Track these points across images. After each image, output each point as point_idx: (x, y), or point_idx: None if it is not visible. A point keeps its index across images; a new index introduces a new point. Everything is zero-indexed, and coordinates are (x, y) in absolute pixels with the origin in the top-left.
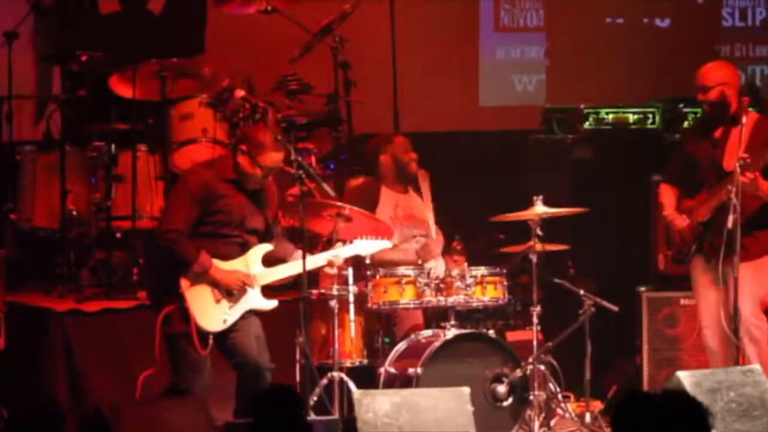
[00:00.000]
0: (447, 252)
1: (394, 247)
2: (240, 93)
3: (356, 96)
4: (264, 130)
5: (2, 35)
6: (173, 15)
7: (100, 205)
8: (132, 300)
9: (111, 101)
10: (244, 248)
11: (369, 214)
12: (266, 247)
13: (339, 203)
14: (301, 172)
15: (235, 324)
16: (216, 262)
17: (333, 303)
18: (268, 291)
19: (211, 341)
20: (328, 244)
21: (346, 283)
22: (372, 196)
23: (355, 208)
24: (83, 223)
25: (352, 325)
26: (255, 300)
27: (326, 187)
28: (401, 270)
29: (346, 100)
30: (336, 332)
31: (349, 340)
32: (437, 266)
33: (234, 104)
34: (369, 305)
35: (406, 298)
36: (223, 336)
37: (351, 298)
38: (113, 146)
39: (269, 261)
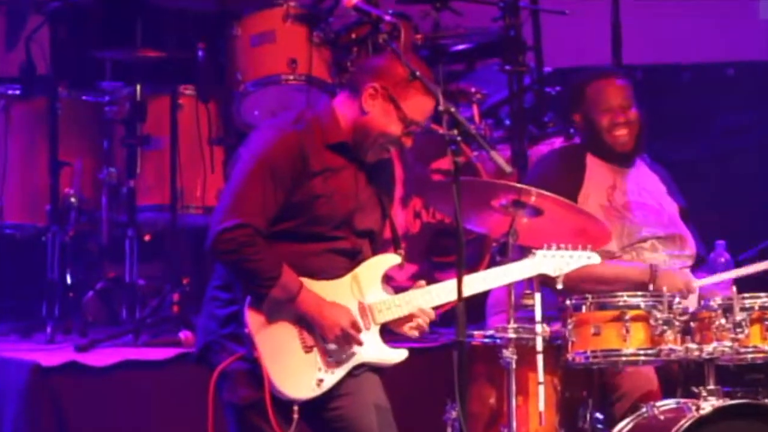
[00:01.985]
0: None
1: (606, 257)
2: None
3: (550, 4)
4: (399, 60)
5: None
6: None
7: (117, 188)
8: (169, 347)
9: (134, 12)
10: (352, 259)
11: (570, 204)
12: (392, 260)
13: (519, 185)
14: (454, 132)
15: (340, 386)
16: (308, 283)
17: (508, 353)
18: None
19: (296, 415)
20: (501, 253)
21: (530, 320)
22: (574, 174)
23: (547, 194)
24: (88, 218)
25: (541, 390)
26: (371, 348)
27: (497, 157)
28: (623, 298)
29: (532, 12)
30: (513, 402)
31: (535, 414)
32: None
33: (342, 18)
34: (569, 357)
35: (632, 345)
36: (319, 406)
37: (539, 346)
38: (139, 88)
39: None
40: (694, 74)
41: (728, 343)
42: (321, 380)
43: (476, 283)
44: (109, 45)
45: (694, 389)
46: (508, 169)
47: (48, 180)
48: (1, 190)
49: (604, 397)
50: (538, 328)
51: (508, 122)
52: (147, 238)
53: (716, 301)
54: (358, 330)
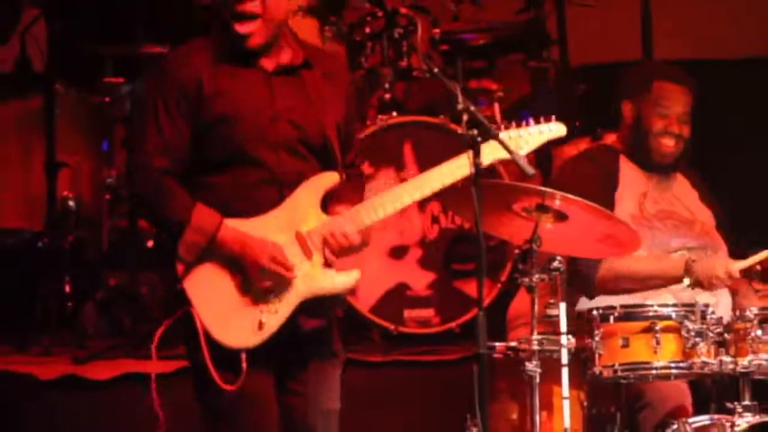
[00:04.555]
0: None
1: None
2: None
3: None
4: None
5: None
6: None
7: (118, 191)
8: (174, 359)
9: (136, 4)
10: (285, 185)
11: (596, 208)
12: (328, 179)
13: (544, 188)
14: (474, 132)
15: (299, 377)
16: (235, 222)
17: (532, 366)
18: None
19: (244, 364)
20: (524, 260)
21: (555, 331)
22: (604, 177)
23: (572, 197)
24: (88, 223)
25: (566, 405)
26: (316, 278)
27: (520, 159)
28: (653, 308)
29: (557, 4)
30: (537, 418)
31: (560, 431)
32: (719, 301)
33: (355, 11)
34: (596, 371)
35: (663, 358)
36: (282, 380)
37: (564, 358)
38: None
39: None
40: (735, 71)
41: (765, 356)
42: (263, 323)
43: (431, 182)
44: (109, 39)
45: (729, 405)
46: (530, 171)
47: (45, 183)
48: None
49: (633, 413)
50: (564, 339)
51: (531, 122)
52: (150, 243)
53: (752, 311)
54: (282, 264)
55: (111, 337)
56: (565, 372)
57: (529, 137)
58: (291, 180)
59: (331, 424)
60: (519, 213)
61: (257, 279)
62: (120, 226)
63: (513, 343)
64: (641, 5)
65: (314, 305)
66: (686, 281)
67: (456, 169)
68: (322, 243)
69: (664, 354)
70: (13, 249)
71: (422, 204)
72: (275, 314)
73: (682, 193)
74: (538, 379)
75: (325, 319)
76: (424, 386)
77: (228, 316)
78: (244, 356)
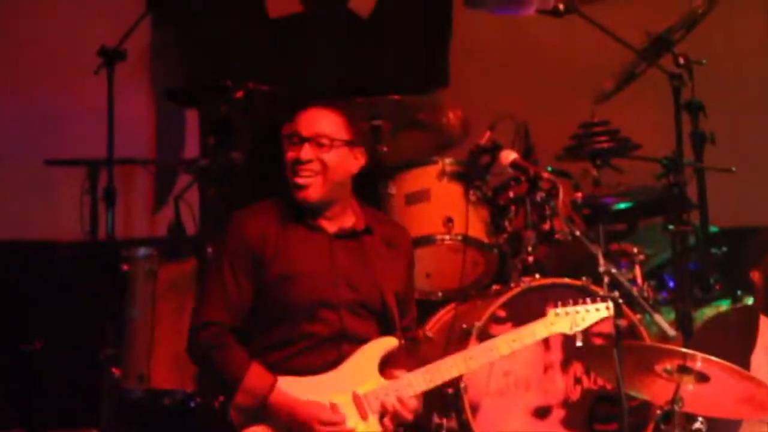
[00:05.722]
0: None
1: None
2: (509, 156)
3: (716, 161)
4: None
5: (97, 54)
6: (391, 17)
7: None
8: None
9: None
10: (346, 344)
11: (737, 370)
12: (387, 344)
13: (684, 350)
14: (615, 293)
15: None
16: (294, 381)
17: None
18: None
19: None
20: (667, 421)
21: None
22: (745, 337)
23: (714, 359)
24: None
25: None
26: None
27: (662, 321)
28: None
29: (697, 169)
30: None
31: None
32: None
33: (499, 175)
34: None
35: None
36: None
37: None
38: None
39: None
40: None
41: None
42: None
43: (484, 353)
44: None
45: None
46: (672, 332)
47: None
48: (151, 356)
49: None
50: None
51: (672, 284)
52: None
53: None
54: (333, 423)
55: None
56: None
57: (586, 315)
58: (350, 338)
59: None
60: (660, 374)
61: None
62: None
63: None
64: None
65: None
66: None
67: (529, 333)
68: (379, 406)
69: None
70: (167, 409)
71: (565, 365)
72: None
73: None
74: None
75: None
76: None
77: None
78: None
